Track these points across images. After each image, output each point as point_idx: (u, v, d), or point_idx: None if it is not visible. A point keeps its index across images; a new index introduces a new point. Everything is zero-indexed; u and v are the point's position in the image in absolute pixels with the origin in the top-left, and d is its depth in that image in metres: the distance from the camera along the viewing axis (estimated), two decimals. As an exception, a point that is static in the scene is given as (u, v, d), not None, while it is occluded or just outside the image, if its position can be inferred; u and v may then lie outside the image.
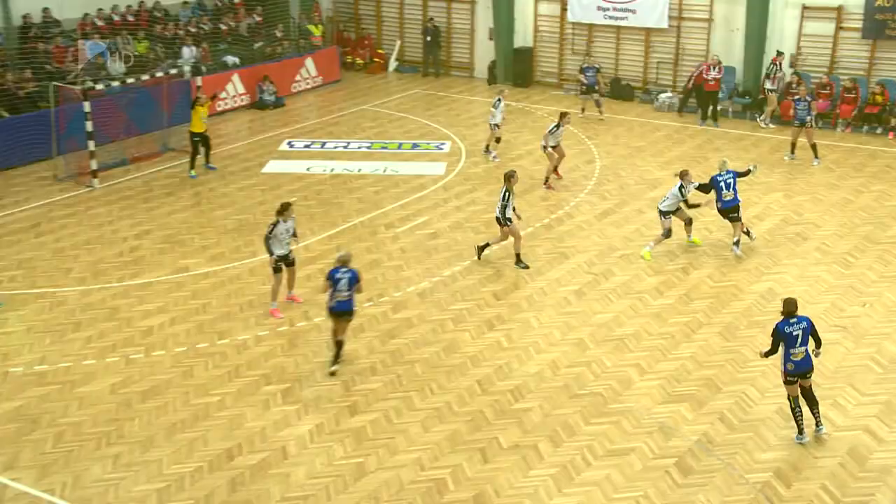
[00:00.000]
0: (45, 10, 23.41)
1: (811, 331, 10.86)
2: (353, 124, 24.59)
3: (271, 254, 14.06)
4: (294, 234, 14.36)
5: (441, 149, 22.51)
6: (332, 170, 21.05)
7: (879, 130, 23.37)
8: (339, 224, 17.95)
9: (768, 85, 23.77)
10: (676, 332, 13.86)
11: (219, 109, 24.99)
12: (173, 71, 22.44)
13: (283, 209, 14.05)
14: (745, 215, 18.26)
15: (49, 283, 15.36)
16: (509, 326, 14.08)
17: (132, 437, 11.35)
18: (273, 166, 21.33)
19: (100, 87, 20.45)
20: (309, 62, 27.89)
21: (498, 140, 21.56)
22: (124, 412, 11.84)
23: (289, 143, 23.05)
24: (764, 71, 24.49)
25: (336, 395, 12.27)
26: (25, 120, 20.95)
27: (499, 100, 21.33)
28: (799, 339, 10.76)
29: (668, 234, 16.14)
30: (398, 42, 30.76)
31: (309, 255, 16.56)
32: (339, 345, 12.71)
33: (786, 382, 11.01)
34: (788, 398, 11.08)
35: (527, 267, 15.83)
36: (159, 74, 21.80)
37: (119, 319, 14.23)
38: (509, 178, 15.64)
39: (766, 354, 11.09)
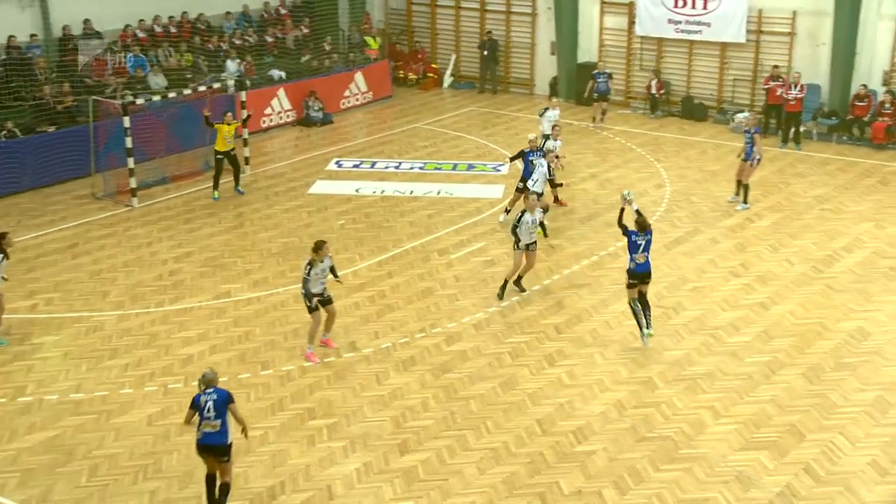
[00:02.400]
0: (86, 21, 24.14)
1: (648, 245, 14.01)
2: (405, 143, 24.87)
3: (308, 296, 13.75)
4: (334, 274, 14.00)
5: (499, 170, 22.64)
6: (383, 191, 21.30)
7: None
8: (390, 249, 18.14)
9: None
10: (755, 372, 13.73)
11: (263, 126, 25.48)
12: (216, 85, 22.97)
13: (318, 248, 13.57)
14: (833, 246, 18.06)
15: (86, 307, 15.75)
16: (572, 362, 14.08)
17: (170, 471, 11.56)
18: (320, 187, 21.66)
19: (140, 101, 21.03)
20: (359, 77, 28.33)
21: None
22: (162, 445, 12.07)
23: (337, 162, 23.39)
24: (852, 90, 24.24)
25: (385, 432, 12.38)
26: (64, 136, 21.57)
27: (546, 109, 21.88)
28: (641, 248, 14.02)
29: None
30: (453, 56, 31.10)
31: (357, 281, 16.76)
32: (222, 490, 10.59)
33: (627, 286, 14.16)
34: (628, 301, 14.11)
35: (523, 290, 16.20)
36: (202, 89, 22.32)
37: (157, 346, 14.53)
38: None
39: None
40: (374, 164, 23.23)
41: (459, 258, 17.75)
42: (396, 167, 22.96)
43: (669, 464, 11.66)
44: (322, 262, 13.74)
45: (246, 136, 22.35)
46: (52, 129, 21.73)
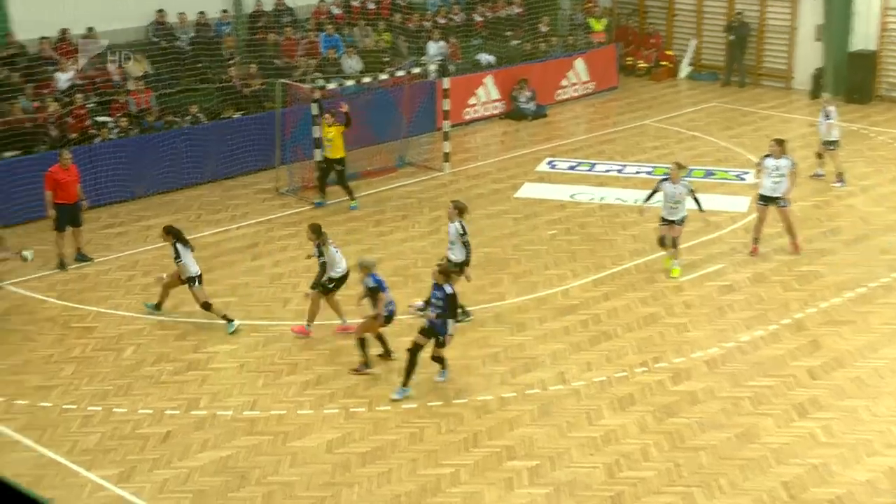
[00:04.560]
0: (279, -6, 25.49)
1: None
2: (630, 143, 24.74)
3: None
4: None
5: (743, 179, 22.15)
6: (603, 199, 21.26)
7: None
8: (608, 267, 18.09)
9: None
10: None
11: (466, 118, 25.99)
12: (416, 70, 23.63)
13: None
14: None
15: (265, 315, 16.57)
16: (829, 415, 13.57)
17: (348, 505, 11.98)
18: (529, 190, 21.88)
19: (332, 86, 21.93)
20: (579, 64, 28.42)
21: (819, 156, 21.42)
22: (342, 475, 12.52)
23: (549, 162, 23.55)
24: None
25: (596, 481, 12.34)
26: (248, 122, 22.79)
27: (829, 110, 21.20)
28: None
29: None
30: (693, 41, 30.67)
31: (568, 302, 16.83)
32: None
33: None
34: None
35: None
36: (400, 74, 23.03)
37: (341, 364, 15.06)
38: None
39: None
40: (592, 166, 23.23)
41: (691, 281, 17.47)
42: (619, 171, 22.86)
43: (950, 550, 11.02)
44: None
45: (447, 129, 22.83)
46: (237, 114, 23.01)
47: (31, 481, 12.17)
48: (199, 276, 15.98)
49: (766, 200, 18.03)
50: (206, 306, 15.87)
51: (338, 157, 20.47)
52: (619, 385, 14.41)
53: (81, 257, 18.20)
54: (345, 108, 20.49)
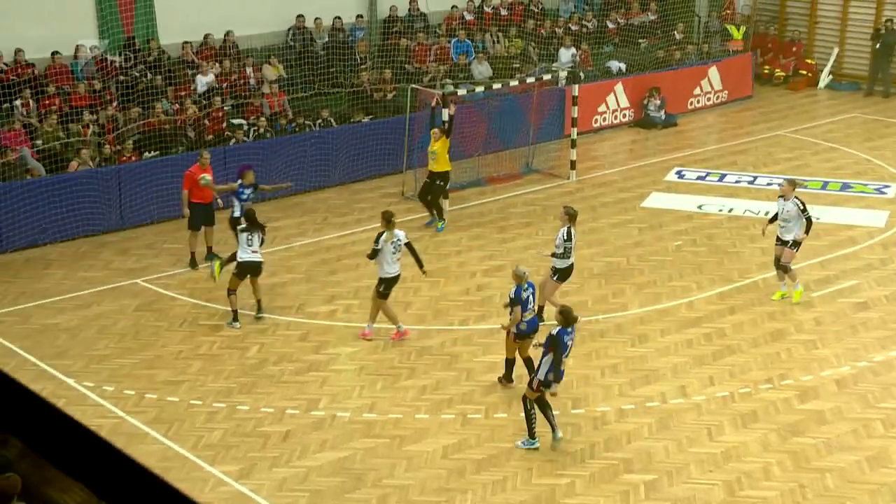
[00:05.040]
0: (413, 0, 25.68)
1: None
2: (763, 154, 24.19)
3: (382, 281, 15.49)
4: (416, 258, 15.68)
5: (883, 193, 21.45)
6: (731, 210, 20.85)
7: None
8: (735, 280, 17.71)
9: None
10: None
11: (595, 126, 25.78)
12: (547, 77, 23.57)
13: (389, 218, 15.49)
14: None
15: (384, 319, 16.68)
16: (964, 442, 13.01)
17: (462, 513, 11.99)
18: (656, 200, 21.59)
19: (462, 92, 22.03)
20: (713, 72, 27.90)
21: None
22: (456, 482, 12.53)
23: (678, 172, 23.20)
24: None
25: (716, 499, 12.07)
26: (377, 126, 23.04)
27: None
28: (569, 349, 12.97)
29: None
30: (835, 50, 29.78)
31: (692, 314, 16.56)
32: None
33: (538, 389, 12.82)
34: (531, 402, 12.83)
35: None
36: (530, 80, 22.98)
37: (458, 369, 15.13)
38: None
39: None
40: (722, 176, 22.79)
41: (823, 297, 16.98)
42: (750, 182, 22.37)
43: None
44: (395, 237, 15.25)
45: (574, 136, 22.69)
46: (366, 118, 23.31)
47: (157, 473, 12.53)
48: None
49: None
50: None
51: (442, 170, 20.14)
52: (742, 401, 14.09)
53: (211, 256, 18.68)
54: (452, 109, 20.01)
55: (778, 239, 16.68)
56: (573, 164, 22.84)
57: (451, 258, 19.05)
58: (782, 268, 16.65)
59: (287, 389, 14.59)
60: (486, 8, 26.92)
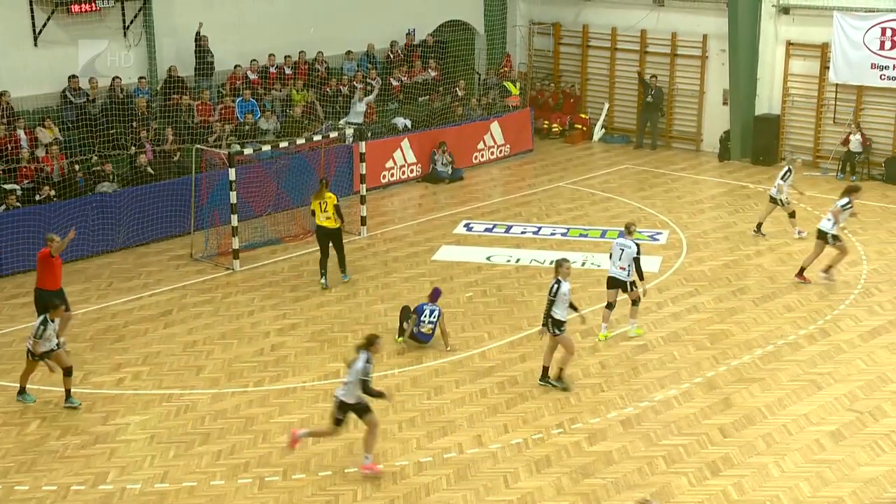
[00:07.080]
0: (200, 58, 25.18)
1: None
2: (545, 205, 24.96)
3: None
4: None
5: (656, 240, 22.44)
6: (518, 260, 21.37)
7: None
8: (524, 328, 18.12)
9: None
10: (973, 496, 13.00)
11: (383, 181, 26.04)
12: (333, 134, 23.66)
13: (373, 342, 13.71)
14: None
15: (177, 384, 16.26)
16: (740, 473, 13.67)
17: (262, 578, 11.70)
18: (446, 253, 21.92)
19: (248, 151, 21.83)
20: (495, 127, 28.69)
21: (792, 214, 22.28)
22: (254, 547, 12.24)
23: (466, 225, 23.65)
24: None
25: (513, 545, 12.22)
26: (162, 188, 22.49)
27: (788, 171, 21.87)
28: None
29: None
30: (606, 105, 31.18)
31: (485, 364, 16.80)
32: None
33: None
34: None
35: (566, 388, 15.87)
36: (317, 138, 23.01)
37: (254, 432, 14.83)
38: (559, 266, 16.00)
39: None
40: (508, 228, 23.37)
41: (607, 342, 17.58)
42: (535, 232, 23.03)
43: None
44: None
45: (363, 192, 22.85)
46: (150, 181, 22.70)
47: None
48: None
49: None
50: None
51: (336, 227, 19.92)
52: (535, 447, 14.38)
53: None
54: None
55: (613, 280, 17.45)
56: (364, 220, 22.96)
57: (244, 318, 18.73)
58: (633, 302, 17.47)
59: (72, 464, 13.92)
60: (270, 68, 26.81)
